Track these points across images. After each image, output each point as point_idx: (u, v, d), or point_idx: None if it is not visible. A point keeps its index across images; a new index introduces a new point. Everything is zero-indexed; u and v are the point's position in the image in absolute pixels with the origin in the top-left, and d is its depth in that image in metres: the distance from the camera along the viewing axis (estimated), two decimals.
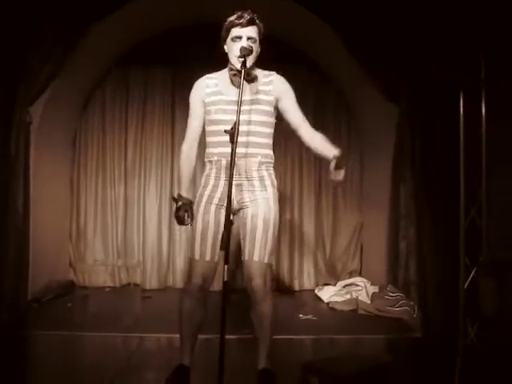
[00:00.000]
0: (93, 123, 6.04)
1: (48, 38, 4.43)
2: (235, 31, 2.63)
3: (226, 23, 2.67)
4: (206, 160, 2.80)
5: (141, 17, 5.11)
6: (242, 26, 2.61)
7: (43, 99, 4.73)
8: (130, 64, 5.92)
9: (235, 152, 2.36)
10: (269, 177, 2.77)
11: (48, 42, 4.44)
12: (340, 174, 2.55)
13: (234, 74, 2.66)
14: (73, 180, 6.03)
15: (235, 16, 2.64)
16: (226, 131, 2.40)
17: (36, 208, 4.74)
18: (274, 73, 2.81)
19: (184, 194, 2.79)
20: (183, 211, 2.75)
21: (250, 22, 2.63)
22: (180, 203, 2.77)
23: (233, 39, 2.64)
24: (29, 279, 4.61)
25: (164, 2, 5.06)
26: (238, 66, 2.57)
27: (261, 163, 2.73)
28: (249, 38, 2.62)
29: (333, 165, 2.52)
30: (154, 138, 6.06)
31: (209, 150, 2.77)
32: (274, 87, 2.75)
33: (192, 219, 2.76)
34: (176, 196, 2.81)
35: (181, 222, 2.78)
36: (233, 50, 2.64)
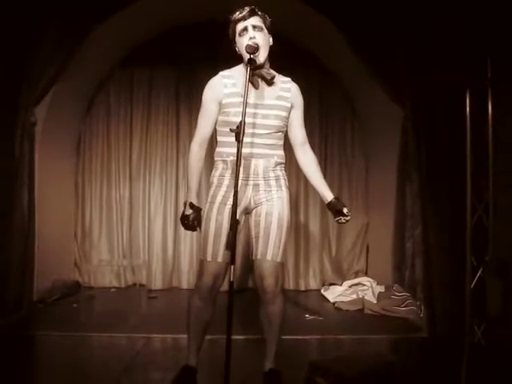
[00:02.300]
0: (97, 124, 6.05)
1: (51, 39, 4.44)
2: (240, 25, 2.64)
3: (231, 23, 2.68)
4: (217, 159, 2.75)
5: (143, 17, 5.10)
6: (245, 18, 2.62)
7: (47, 101, 4.73)
8: (134, 65, 5.91)
9: (241, 151, 2.35)
10: (283, 177, 2.81)
11: (51, 43, 4.44)
12: (344, 218, 2.75)
13: (253, 75, 2.61)
14: (78, 180, 6.04)
15: (237, 12, 2.65)
16: (231, 130, 2.39)
17: (41, 208, 4.75)
18: (290, 79, 2.81)
19: (195, 201, 2.72)
20: (193, 220, 2.69)
21: (252, 13, 2.64)
22: (191, 211, 2.70)
23: (240, 34, 2.64)
24: (34, 280, 4.63)
25: (166, 1, 5.06)
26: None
27: (277, 163, 2.74)
28: (254, 27, 2.61)
29: (333, 212, 2.78)
30: (159, 138, 6.06)
31: (223, 150, 2.72)
32: (292, 96, 2.76)
33: (200, 225, 2.71)
34: (187, 204, 2.72)
35: (190, 229, 2.72)
36: (242, 44, 2.62)
